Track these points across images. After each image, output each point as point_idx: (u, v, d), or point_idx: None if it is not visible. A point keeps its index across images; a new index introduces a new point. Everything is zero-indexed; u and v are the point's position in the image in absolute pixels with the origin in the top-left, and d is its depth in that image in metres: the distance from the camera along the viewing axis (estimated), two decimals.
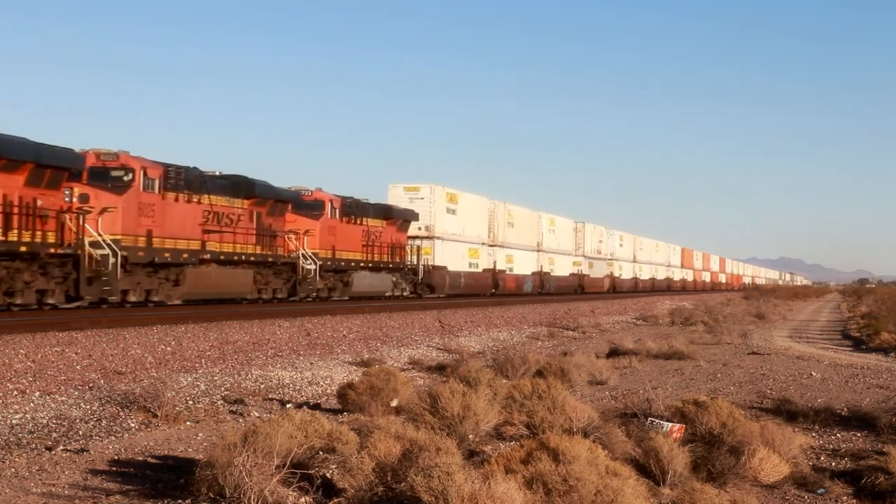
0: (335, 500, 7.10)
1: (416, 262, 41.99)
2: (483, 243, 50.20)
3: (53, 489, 7.83)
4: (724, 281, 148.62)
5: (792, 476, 8.58)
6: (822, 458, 9.75)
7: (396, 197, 43.67)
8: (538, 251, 60.16)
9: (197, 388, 13.33)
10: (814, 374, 17.41)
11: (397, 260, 40.08)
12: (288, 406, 12.74)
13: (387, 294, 39.34)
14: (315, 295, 33.83)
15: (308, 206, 34.25)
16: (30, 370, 13.12)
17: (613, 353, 21.28)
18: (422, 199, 43.72)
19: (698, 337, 27.37)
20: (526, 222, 58.27)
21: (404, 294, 40.95)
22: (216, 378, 14.23)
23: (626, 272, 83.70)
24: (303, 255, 32.50)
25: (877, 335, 26.95)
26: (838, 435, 11.05)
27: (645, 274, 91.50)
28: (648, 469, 8.09)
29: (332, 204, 35.07)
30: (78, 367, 13.84)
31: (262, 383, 14.39)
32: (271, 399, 13.39)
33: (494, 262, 51.64)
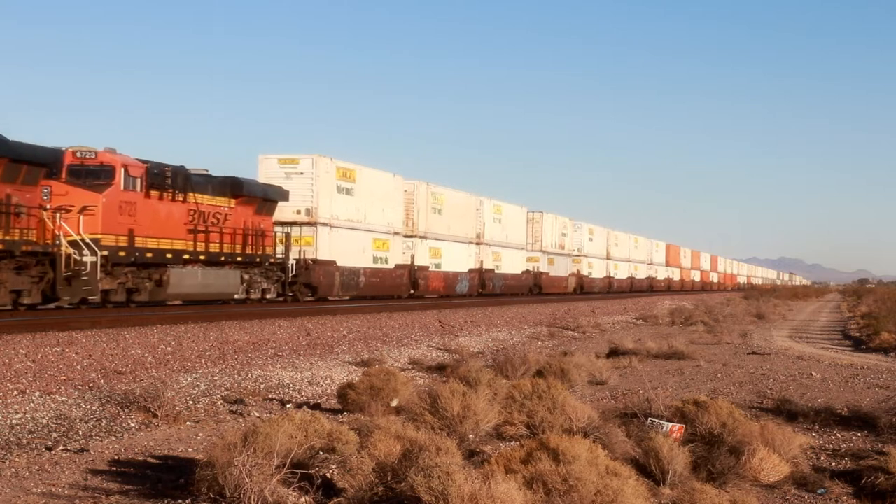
0: (335, 500, 7.11)
1: (286, 256, 31.99)
2: (395, 233, 39.61)
3: (53, 489, 7.83)
4: (716, 280, 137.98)
5: (792, 476, 8.58)
6: (822, 458, 9.75)
7: (269, 172, 33.59)
8: (478, 244, 49.53)
9: (197, 388, 13.34)
10: (814, 374, 17.41)
11: (252, 251, 29.82)
12: (288, 406, 12.75)
13: (235, 297, 29.29)
14: (99, 299, 24.06)
15: (89, 173, 24.16)
16: (30, 370, 13.12)
17: (613, 353, 21.29)
18: (301, 173, 33.49)
19: (698, 337, 27.38)
20: (460, 209, 47.04)
21: (267, 297, 31.15)
22: (216, 378, 14.24)
23: (597, 270, 73.50)
24: (70, 241, 22.16)
25: (877, 335, 26.97)
26: (838, 435, 11.04)
27: (622, 272, 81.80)
28: (648, 469, 8.09)
29: (127, 171, 24.65)
30: (78, 367, 13.84)
31: (262, 383, 14.39)
32: (271, 399, 13.40)
33: (413, 257, 41.27)
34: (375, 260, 38.12)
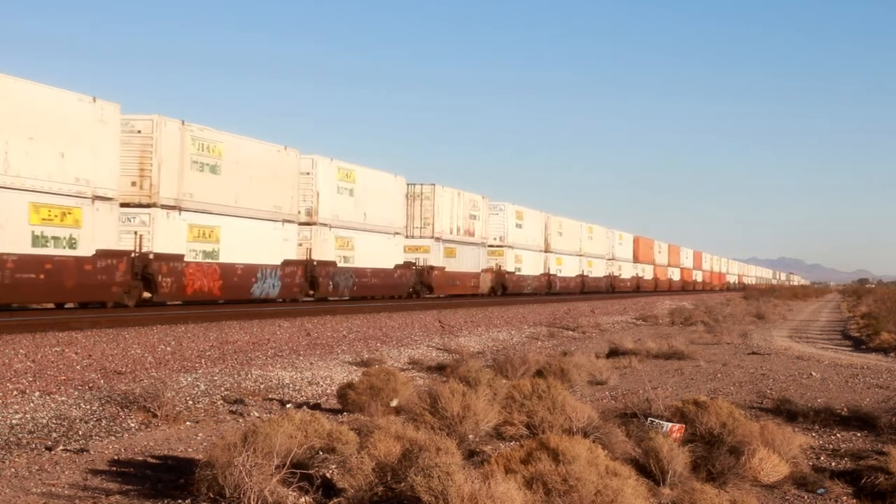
0: (335, 500, 7.11)
1: None
2: (99, 197, 23.52)
3: (53, 489, 7.83)
4: (700, 280, 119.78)
5: (792, 476, 8.58)
6: (822, 458, 9.75)
7: None
8: (309, 224, 33.38)
9: (197, 388, 13.34)
10: (814, 374, 17.41)
11: None
12: (288, 406, 12.75)
13: None
14: None
15: None
16: (30, 370, 13.13)
17: (613, 353, 21.29)
18: None
19: (698, 337, 27.38)
20: (263, 169, 30.13)
21: None
22: (216, 378, 14.24)
23: (529, 265, 56.77)
24: None
25: (877, 335, 26.98)
26: (838, 435, 11.05)
27: (568, 269, 64.61)
28: (648, 469, 8.09)
29: None
30: (78, 367, 13.85)
31: (262, 383, 14.39)
32: (271, 399, 13.40)
33: (141, 240, 25.18)
34: (39, 241, 21.96)
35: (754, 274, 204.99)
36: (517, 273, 54.59)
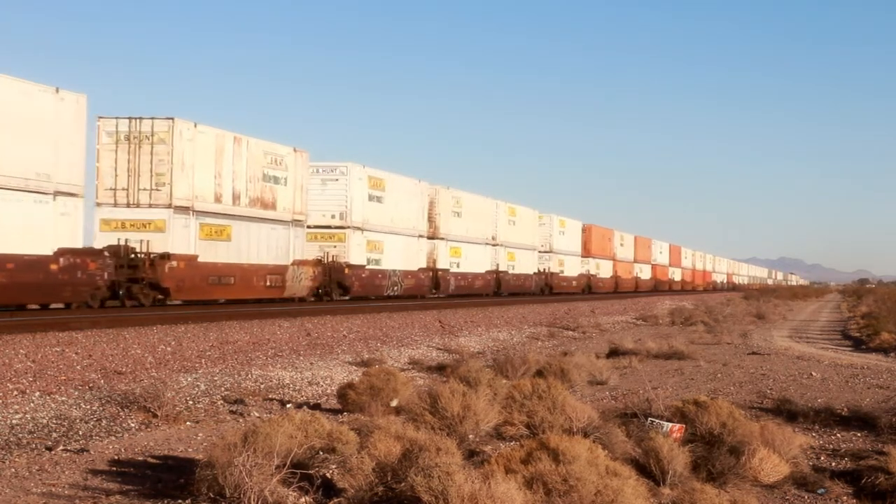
0: (335, 500, 7.11)
1: None
2: None
3: (53, 489, 7.83)
4: (678, 279, 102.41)
5: (792, 476, 8.58)
6: (822, 458, 9.75)
7: None
8: None
9: (197, 388, 13.34)
10: (814, 374, 17.41)
11: None
12: (288, 406, 12.75)
13: None
14: None
15: None
16: (30, 370, 13.13)
17: (613, 353, 21.29)
18: None
19: (698, 337, 27.38)
20: None
21: None
22: (216, 378, 14.24)
23: (396, 257, 39.41)
24: None
25: (877, 335, 26.97)
26: (838, 435, 11.05)
27: (473, 263, 47.60)
28: (648, 469, 8.09)
29: None
30: (78, 367, 13.85)
31: (262, 383, 14.40)
32: (271, 399, 13.40)
33: None
34: None
35: (746, 273, 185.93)
36: (371, 267, 37.20)
